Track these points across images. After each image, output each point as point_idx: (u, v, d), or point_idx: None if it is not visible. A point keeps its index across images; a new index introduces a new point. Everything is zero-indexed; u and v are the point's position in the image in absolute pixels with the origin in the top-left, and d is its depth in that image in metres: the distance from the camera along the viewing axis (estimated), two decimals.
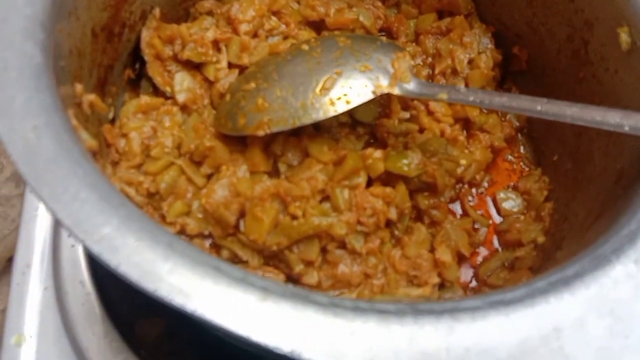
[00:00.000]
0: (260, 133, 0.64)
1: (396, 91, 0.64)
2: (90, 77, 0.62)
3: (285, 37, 0.75)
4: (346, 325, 0.36)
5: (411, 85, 0.64)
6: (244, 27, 0.72)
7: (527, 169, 0.78)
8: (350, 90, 0.64)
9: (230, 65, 0.73)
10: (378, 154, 0.65)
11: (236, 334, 0.36)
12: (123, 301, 0.71)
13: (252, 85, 0.67)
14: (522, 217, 0.71)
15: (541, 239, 0.67)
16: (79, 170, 0.40)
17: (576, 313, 0.39)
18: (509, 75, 0.82)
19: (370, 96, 0.64)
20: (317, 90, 0.64)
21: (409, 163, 0.65)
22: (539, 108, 0.55)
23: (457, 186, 0.73)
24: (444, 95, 0.62)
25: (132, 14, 0.69)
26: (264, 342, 0.35)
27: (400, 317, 0.37)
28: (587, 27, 0.67)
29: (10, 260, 0.99)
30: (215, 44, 0.72)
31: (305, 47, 0.68)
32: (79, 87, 0.56)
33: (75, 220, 0.38)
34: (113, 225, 0.38)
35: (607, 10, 0.63)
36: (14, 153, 0.40)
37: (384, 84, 0.64)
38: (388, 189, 0.65)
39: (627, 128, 0.50)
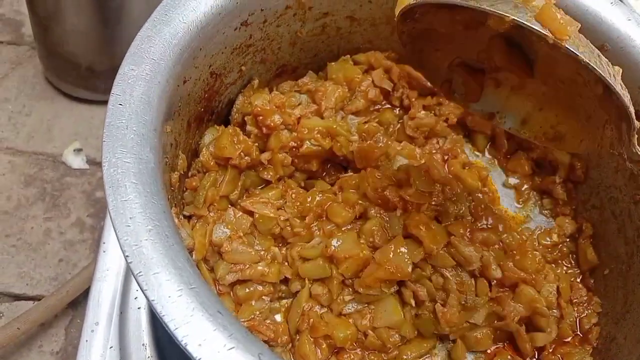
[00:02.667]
0: None
1: None
2: (180, 162, 0.68)
3: None
4: None
5: None
6: (327, 114, 0.79)
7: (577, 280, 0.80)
8: None
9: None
10: None
11: None
12: None
13: None
14: (570, 340, 0.73)
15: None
16: (184, 275, 0.45)
17: None
18: (569, 183, 0.85)
19: None
20: None
21: None
22: None
23: None
24: None
25: (220, 102, 0.76)
26: None
27: None
28: None
29: (70, 305, 1.05)
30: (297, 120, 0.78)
31: None
32: (174, 177, 0.62)
33: (179, 324, 0.43)
34: (212, 333, 0.42)
35: None
36: (129, 256, 0.45)
37: None
38: None
39: None
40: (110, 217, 0.47)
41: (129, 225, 0.46)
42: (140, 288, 0.44)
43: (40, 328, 1.06)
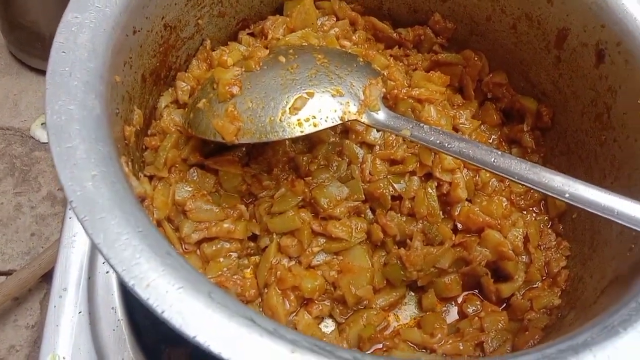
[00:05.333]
0: (230, 142, 0.66)
1: (364, 119, 0.67)
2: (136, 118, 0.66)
3: None
4: None
5: (380, 115, 0.67)
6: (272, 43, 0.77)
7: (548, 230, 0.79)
8: (319, 113, 0.66)
9: None
10: None
11: None
12: (151, 330, 0.75)
13: None
14: (539, 285, 0.73)
15: (557, 302, 0.68)
16: (131, 219, 0.44)
17: None
18: (537, 131, 0.85)
19: (338, 121, 0.66)
20: (287, 108, 0.65)
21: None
22: (492, 160, 0.58)
23: None
24: (407, 132, 0.64)
25: (178, 58, 0.74)
26: None
27: None
28: (611, 93, 0.70)
29: (43, 278, 1.04)
30: None
31: (283, 59, 0.70)
32: (128, 130, 0.61)
33: (126, 266, 0.42)
34: (160, 273, 0.42)
35: (631, 80, 0.66)
36: (73, 200, 0.43)
37: (353, 111, 0.66)
38: None
39: (567, 195, 0.54)
40: (55, 164, 0.45)
41: (72, 171, 0.45)
42: (86, 232, 0.43)
43: (15, 302, 1.05)
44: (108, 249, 0.42)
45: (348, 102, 0.66)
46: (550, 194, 0.55)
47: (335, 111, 0.66)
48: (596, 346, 0.44)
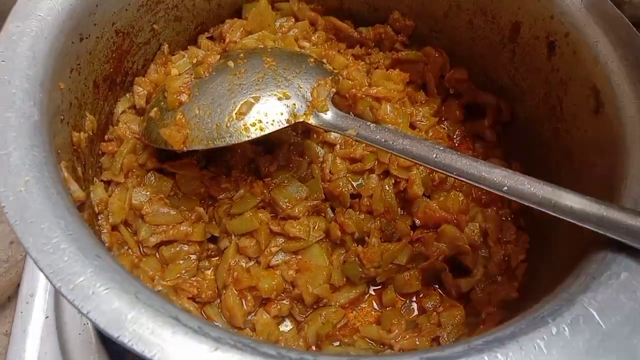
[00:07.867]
0: (179, 149, 0.67)
1: (311, 121, 0.67)
2: (88, 123, 0.67)
3: None
4: None
5: (327, 116, 0.67)
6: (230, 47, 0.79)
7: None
8: (265, 117, 0.66)
9: None
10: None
11: None
12: None
13: None
14: (499, 279, 0.73)
15: (514, 295, 0.69)
16: (62, 222, 0.45)
17: None
18: (499, 126, 0.85)
19: (285, 124, 0.66)
20: (234, 114, 0.66)
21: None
22: (434, 157, 0.58)
23: None
24: (352, 132, 0.64)
25: (134, 63, 0.75)
26: None
27: None
28: (562, 85, 0.70)
29: (19, 287, 1.04)
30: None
31: (231, 64, 0.71)
32: (76, 136, 0.61)
33: (54, 269, 0.42)
34: (87, 275, 0.42)
35: (579, 71, 0.67)
36: (5, 205, 0.44)
37: (300, 113, 0.67)
38: None
39: (505, 189, 0.54)
40: None
41: (6, 177, 0.46)
42: (18, 237, 0.43)
43: None
44: (37, 252, 0.43)
45: (295, 105, 0.67)
46: (489, 188, 0.55)
47: (282, 114, 0.66)
48: (523, 337, 0.44)
